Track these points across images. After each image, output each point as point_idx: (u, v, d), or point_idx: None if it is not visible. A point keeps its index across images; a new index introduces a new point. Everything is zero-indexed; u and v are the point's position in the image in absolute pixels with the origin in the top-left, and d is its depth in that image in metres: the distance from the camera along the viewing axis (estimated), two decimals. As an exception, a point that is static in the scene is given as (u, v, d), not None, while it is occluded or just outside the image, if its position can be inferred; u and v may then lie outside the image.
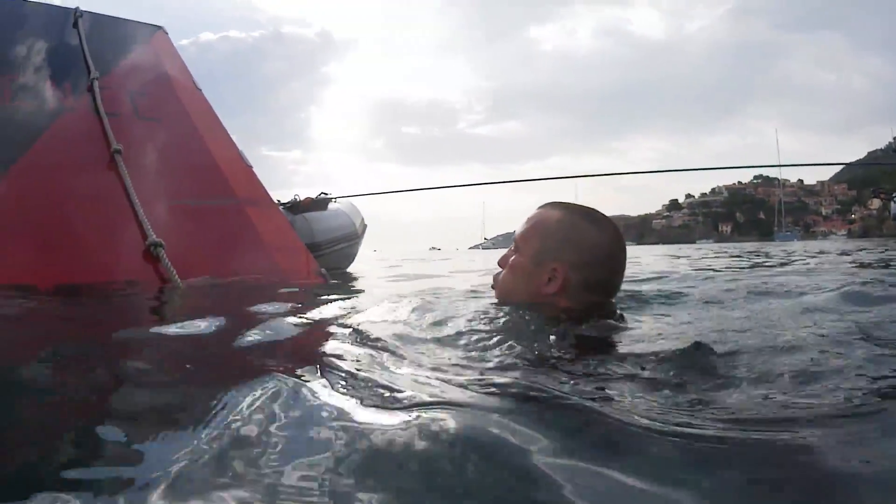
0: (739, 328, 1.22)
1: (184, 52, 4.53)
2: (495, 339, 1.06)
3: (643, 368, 0.89)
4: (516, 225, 1.47)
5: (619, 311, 1.36)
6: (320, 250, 4.33)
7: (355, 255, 5.70)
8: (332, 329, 1.26)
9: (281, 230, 3.67)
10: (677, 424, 0.64)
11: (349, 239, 5.16)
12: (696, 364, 0.89)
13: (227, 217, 3.35)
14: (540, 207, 1.43)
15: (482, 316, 1.28)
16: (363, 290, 2.60)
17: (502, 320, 1.23)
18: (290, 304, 1.83)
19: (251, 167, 3.78)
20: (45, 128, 3.26)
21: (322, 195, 4.84)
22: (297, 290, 2.66)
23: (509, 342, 1.03)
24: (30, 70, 3.66)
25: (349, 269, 5.33)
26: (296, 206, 4.47)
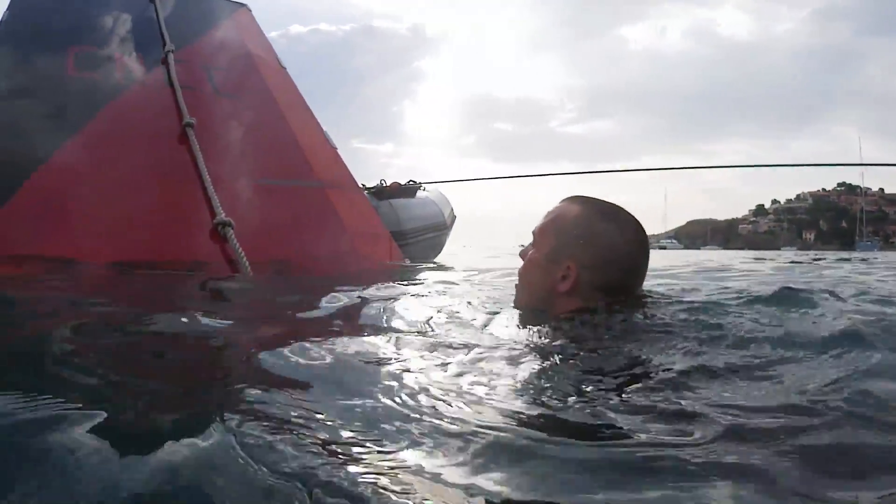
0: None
1: (275, 43, 4.46)
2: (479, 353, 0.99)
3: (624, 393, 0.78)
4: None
5: (642, 308, 1.24)
6: (406, 239, 4.13)
7: (443, 246, 5.47)
8: (344, 328, 1.31)
9: (364, 215, 3.50)
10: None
11: (437, 229, 4.93)
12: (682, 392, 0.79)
13: (305, 199, 3.21)
14: (562, 201, 1.38)
15: (488, 321, 1.28)
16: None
17: (504, 327, 1.23)
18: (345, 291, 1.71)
19: (336, 149, 3.66)
20: (111, 98, 3.21)
21: (411, 182, 4.62)
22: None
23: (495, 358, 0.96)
24: (97, 41, 3.63)
25: (436, 260, 5.12)
26: (381, 192, 4.27)
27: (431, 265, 3.86)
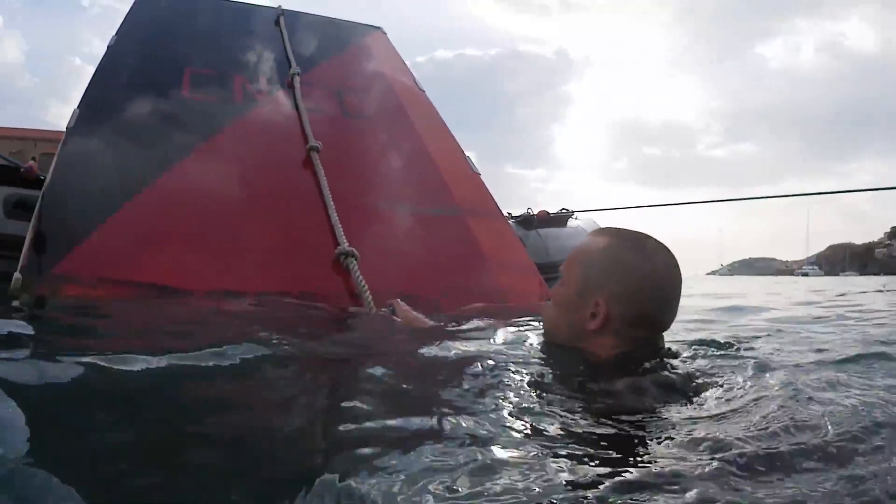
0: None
1: (420, 68, 4.45)
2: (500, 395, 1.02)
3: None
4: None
5: (666, 356, 1.21)
6: (555, 272, 3.76)
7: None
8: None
9: (507, 245, 3.18)
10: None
11: (589, 261, 4.52)
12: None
13: (441, 228, 2.97)
14: (589, 234, 1.41)
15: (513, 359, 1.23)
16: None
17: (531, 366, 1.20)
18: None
19: (478, 174, 3.39)
20: (228, 120, 3.17)
21: (563, 210, 4.28)
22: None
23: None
24: (214, 63, 3.64)
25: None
26: (530, 221, 3.97)
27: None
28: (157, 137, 2.94)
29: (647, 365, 1.13)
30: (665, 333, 1.26)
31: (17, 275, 2.16)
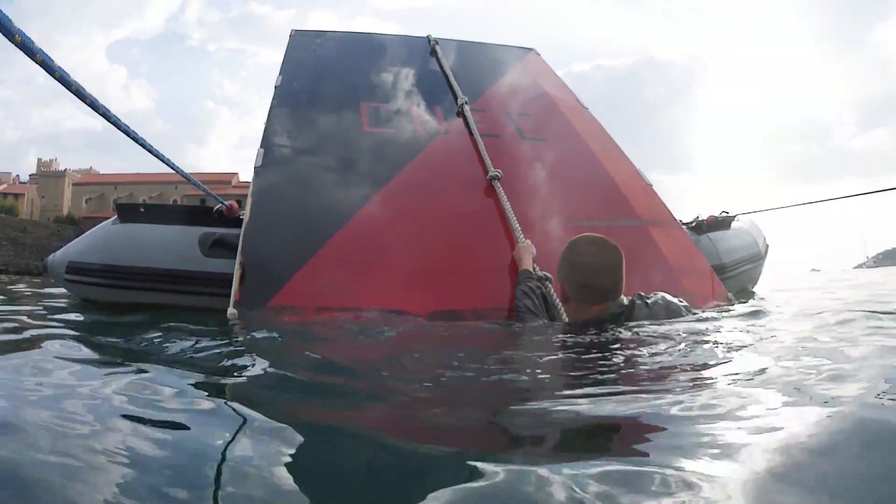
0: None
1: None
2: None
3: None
4: None
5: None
6: (725, 272, 3.93)
7: (758, 277, 5.06)
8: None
9: (687, 252, 3.30)
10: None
11: (753, 260, 4.58)
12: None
13: (628, 238, 3.04)
14: None
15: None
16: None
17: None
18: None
19: (651, 185, 3.54)
20: (414, 152, 3.24)
21: (724, 213, 4.43)
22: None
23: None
24: (385, 97, 3.70)
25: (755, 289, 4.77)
26: (700, 226, 4.18)
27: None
28: (348, 174, 3.06)
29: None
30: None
31: (231, 309, 2.28)
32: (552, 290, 2.46)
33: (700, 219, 4.24)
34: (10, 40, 1.23)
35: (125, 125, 1.82)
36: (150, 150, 2.14)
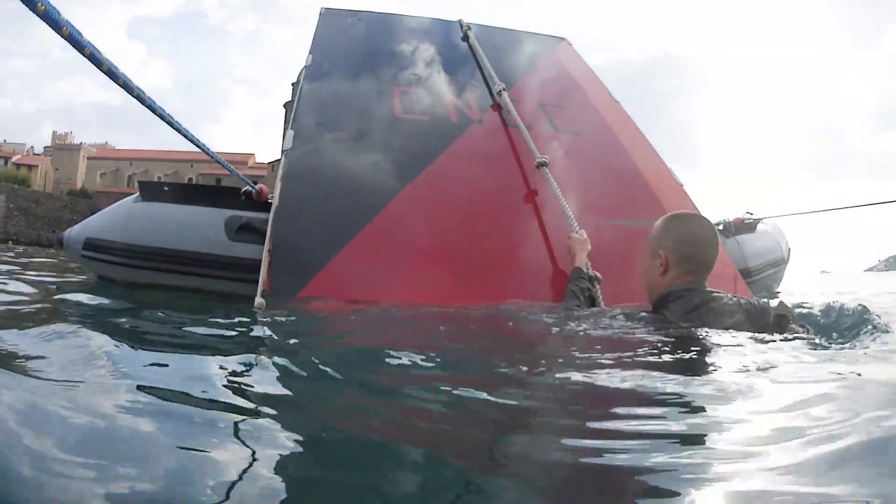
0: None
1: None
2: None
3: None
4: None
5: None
6: (750, 276, 3.87)
7: (781, 280, 5.01)
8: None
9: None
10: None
11: (777, 264, 4.52)
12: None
13: None
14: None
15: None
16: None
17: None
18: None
19: (682, 185, 3.41)
20: (450, 140, 3.15)
21: (748, 215, 4.35)
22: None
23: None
24: (417, 82, 3.59)
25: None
26: (727, 229, 4.11)
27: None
28: (381, 160, 2.96)
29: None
30: None
31: (259, 299, 2.19)
32: (600, 293, 2.38)
33: (727, 220, 4.16)
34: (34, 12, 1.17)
35: (150, 99, 1.75)
36: (179, 130, 2.04)
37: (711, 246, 1.89)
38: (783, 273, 5.00)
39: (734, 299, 1.84)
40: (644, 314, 1.90)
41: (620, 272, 2.59)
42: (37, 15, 1.17)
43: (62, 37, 1.25)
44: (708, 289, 1.87)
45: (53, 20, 1.20)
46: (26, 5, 1.15)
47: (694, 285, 1.86)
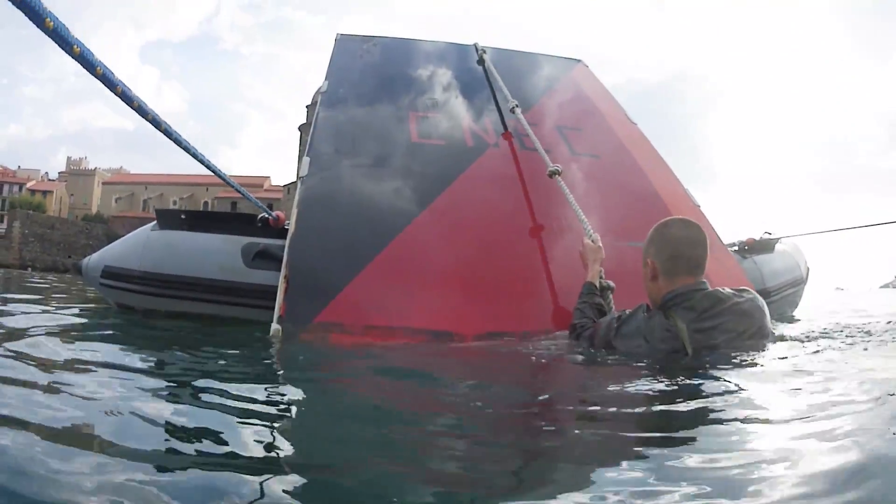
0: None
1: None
2: None
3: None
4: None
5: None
6: (769, 297, 3.81)
7: (799, 302, 4.93)
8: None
9: (733, 276, 3.11)
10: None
11: (796, 284, 4.45)
12: None
13: None
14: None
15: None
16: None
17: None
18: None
19: (699, 207, 3.39)
20: (465, 165, 3.13)
21: (766, 235, 4.30)
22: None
23: None
24: (432, 107, 3.58)
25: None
26: (743, 249, 4.06)
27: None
28: (398, 186, 2.95)
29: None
30: None
31: (275, 325, 2.19)
32: (612, 303, 2.34)
33: (741, 241, 4.12)
34: (41, 28, 1.14)
35: (165, 123, 1.75)
36: (195, 155, 2.03)
37: (696, 244, 1.91)
38: (802, 293, 4.92)
39: (743, 296, 1.87)
40: (660, 317, 1.88)
41: (639, 294, 2.46)
42: (45, 33, 1.15)
43: (73, 56, 1.23)
44: (710, 289, 1.86)
45: (63, 38, 1.18)
46: (33, 21, 1.11)
47: (694, 285, 1.85)
